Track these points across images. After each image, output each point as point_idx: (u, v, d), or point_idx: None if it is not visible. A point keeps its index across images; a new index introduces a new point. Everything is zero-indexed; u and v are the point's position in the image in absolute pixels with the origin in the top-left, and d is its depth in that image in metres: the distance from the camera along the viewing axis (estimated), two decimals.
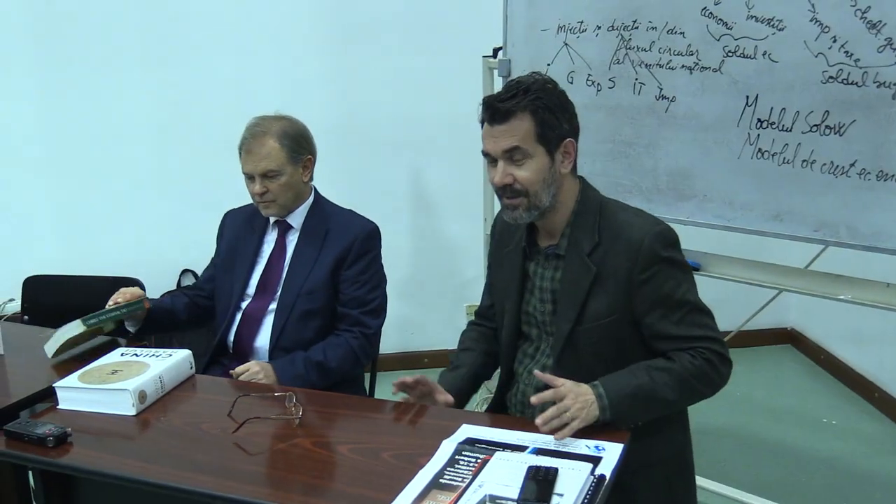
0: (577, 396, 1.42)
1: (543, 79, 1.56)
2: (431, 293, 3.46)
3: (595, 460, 1.28)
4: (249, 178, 1.99)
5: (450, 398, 1.67)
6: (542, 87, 1.52)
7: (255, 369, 1.85)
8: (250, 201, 2.07)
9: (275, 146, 1.96)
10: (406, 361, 3.41)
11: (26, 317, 2.44)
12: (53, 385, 1.59)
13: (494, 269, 1.79)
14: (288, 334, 2.00)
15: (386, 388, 1.97)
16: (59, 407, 1.57)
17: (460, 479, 1.24)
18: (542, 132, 1.51)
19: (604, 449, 1.32)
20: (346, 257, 2.02)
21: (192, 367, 1.71)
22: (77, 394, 1.56)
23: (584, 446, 1.33)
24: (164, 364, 1.64)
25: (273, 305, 2.04)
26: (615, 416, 1.42)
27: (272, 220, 2.10)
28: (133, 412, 1.52)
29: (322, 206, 2.11)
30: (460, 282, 3.46)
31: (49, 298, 2.45)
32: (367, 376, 2.19)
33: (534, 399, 1.44)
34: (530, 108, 1.50)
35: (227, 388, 1.73)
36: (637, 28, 2.19)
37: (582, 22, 2.33)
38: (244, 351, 2.03)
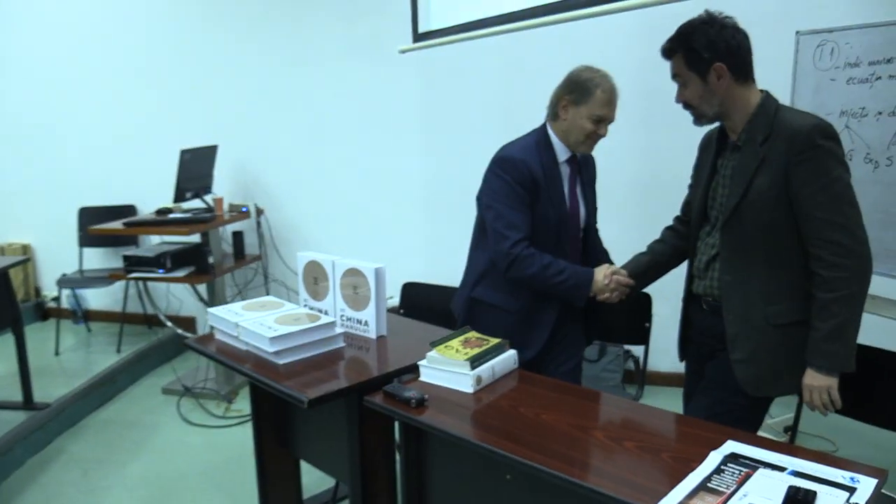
0: (808, 385, 1.92)
1: (692, 24, 1.95)
2: None
3: (850, 490, 1.35)
4: (598, 120, 2.27)
5: (630, 281, 2.30)
6: (688, 31, 1.95)
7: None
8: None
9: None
10: None
11: (402, 310, 3.03)
12: (418, 363, 2.02)
13: (696, 170, 2.19)
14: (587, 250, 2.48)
15: (654, 398, 2.19)
16: (421, 378, 2.00)
17: (725, 487, 1.39)
18: (689, 63, 1.95)
19: (859, 481, 1.38)
20: (595, 178, 2.52)
21: (515, 363, 2.08)
22: (434, 371, 1.98)
23: (841, 476, 1.40)
24: (498, 357, 2.04)
25: (580, 234, 2.43)
26: (831, 362, 1.86)
27: (564, 157, 2.36)
28: (471, 390, 1.91)
29: None
30: None
31: (419, 299, 3.02)
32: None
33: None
34: (679, 49, 1.97)
35: (538, 383, 2.00)
36: None
37: (864, 108, 2.60)
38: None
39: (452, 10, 4.15)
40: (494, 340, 2.07)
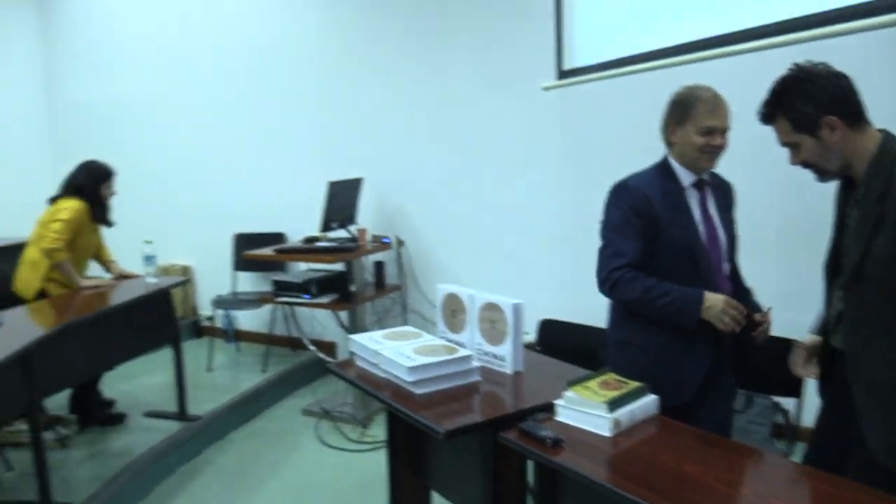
0: None
1: (784, 83, 1.85)
2: None
3: None
4: (709, 131, 2.21)
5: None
6: (783, 91, 1.85)
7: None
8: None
9: (729, 109, 2.26)
10: None
11: (538, 347, 3.01)
12: (553, 402, 1.98)
13: (835, 211, 2.01)
14: (735, 278, 2.35)
15: None
16: (556, 418, 1.96)
17: None
18: (796, 125, 1.84)
19: None
20: (732, 205, 2.43)
21: (656, 409, 2.00)
22: (570, 412, 1.94)
23: None
24: (638, 401, 1.97)
25: (725, 264, 2.33)
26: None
27: (689, 181, 2.29)
28: (609, 434, 1.86)
29: None
30: None
31: (556, 337, 2.99)
32: None
33: None
34: (779, 112, 1.87)
35: (680, 431, 1.91)
36: None
37: None
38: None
39: (597, 48, 4.15)
40: (634, 384, 2.01)
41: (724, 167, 2.39)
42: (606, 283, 2.28)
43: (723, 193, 2.42)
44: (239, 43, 5.60)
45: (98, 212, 4.06)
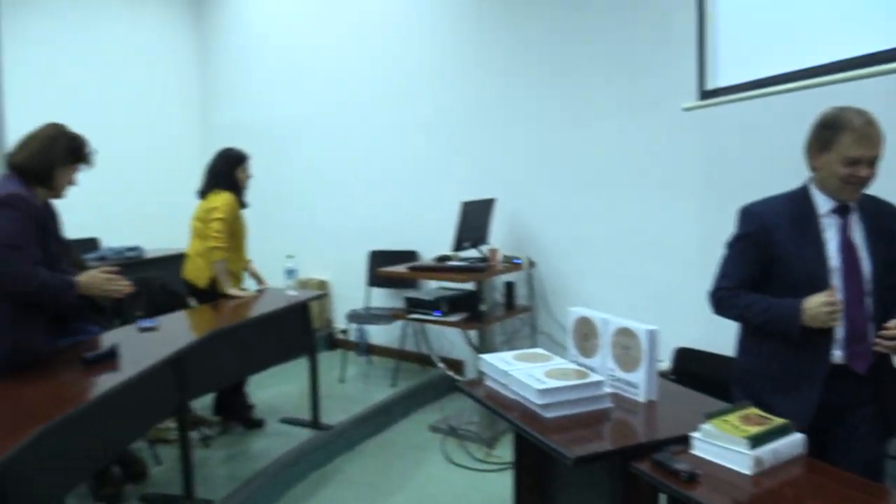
0: None
1: None
2: None
3: None
4: (854, 162, 2.06)
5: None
6: None
7: None
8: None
9: (881, 135, 2.08)
10: None
11: (673, 376, 2.91)
12: (689, 434, 1.91)
13: None
14: (886, 313, 2.12)
15: None
16: (692, 451, 1.89)
17: None
18: None
19: None
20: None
21: (802, 449, 1.88)
22: (707, 446, 1.86)
23: None
24: (782, 440, 1.86)
25: (867, 297, 2.14)
26: None
27: (828, 207, 2.17)
28: (749, 472, 1.76)
29: None
30: None
31: (692, 366, 2.89)
32: None
33: None
34: None
35: (828, 474, 1.78)
36: None
37: None
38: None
39: (742, 67, 3.99)
40: (778, 420, 1.90)
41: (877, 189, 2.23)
42: (712, 300, 2.36)
43: (879, 219, 2.22)
44: (376, 67, 5.80)
45: (238, 196, 4.30)
